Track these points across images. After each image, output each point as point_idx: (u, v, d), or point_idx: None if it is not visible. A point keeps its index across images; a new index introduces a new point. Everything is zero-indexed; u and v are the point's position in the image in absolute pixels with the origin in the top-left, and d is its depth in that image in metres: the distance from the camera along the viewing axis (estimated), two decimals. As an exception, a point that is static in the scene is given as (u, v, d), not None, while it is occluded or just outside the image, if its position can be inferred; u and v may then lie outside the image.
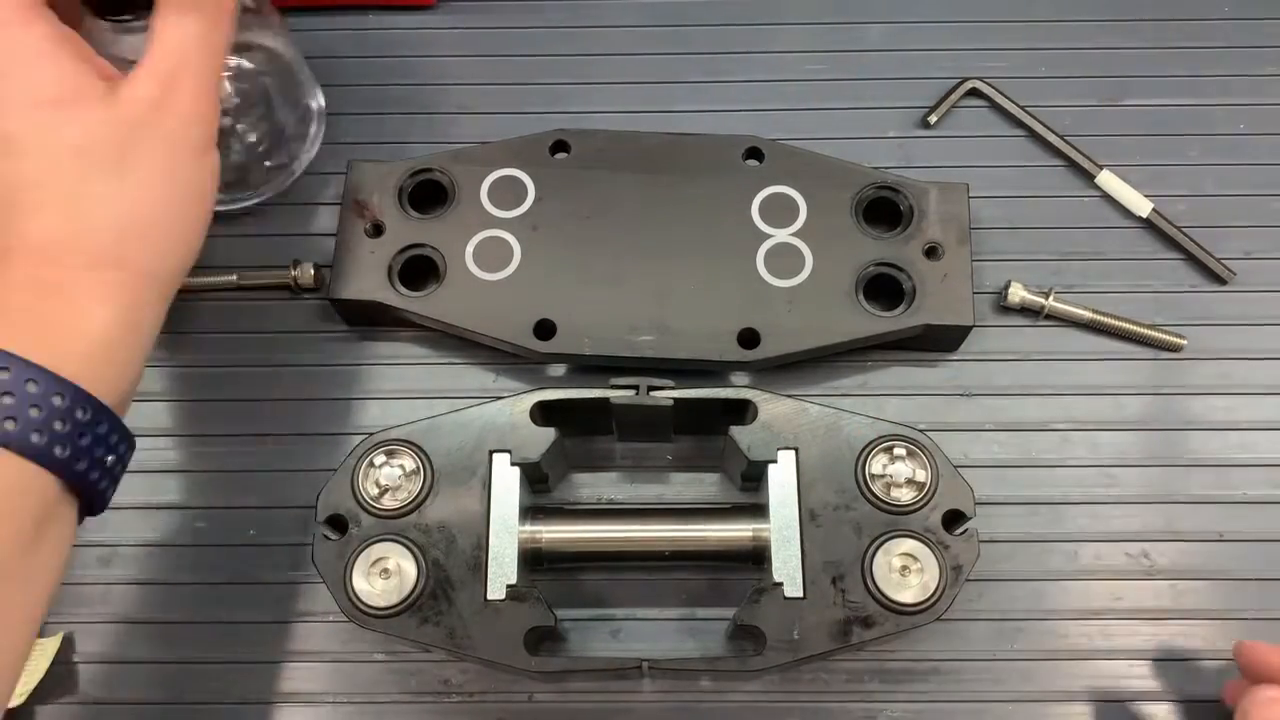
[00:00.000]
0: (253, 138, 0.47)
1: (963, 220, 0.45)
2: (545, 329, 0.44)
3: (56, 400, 0.31)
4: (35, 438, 0.30)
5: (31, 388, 0.30)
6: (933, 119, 0.50)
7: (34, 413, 0.30)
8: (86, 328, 0.33)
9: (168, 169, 0.35)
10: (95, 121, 0.34)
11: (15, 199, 0.33)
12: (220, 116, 0.37)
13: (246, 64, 0.46)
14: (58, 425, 0.31)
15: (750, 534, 0.40)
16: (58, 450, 0.31)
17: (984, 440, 0.45)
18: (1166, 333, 0.46)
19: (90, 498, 0.33)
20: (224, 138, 0.45)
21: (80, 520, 0.33)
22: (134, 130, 0.34)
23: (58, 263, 0.33)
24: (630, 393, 0.40)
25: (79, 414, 0.31)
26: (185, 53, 0.36)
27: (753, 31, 0.52)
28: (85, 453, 0.32)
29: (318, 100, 0.49)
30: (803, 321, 0.44)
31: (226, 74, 0.45)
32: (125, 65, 0.36)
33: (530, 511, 0.40)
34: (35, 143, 0.34)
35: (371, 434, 0.40)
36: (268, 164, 0.48)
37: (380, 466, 0.40)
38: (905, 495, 0.39)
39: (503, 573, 0.38)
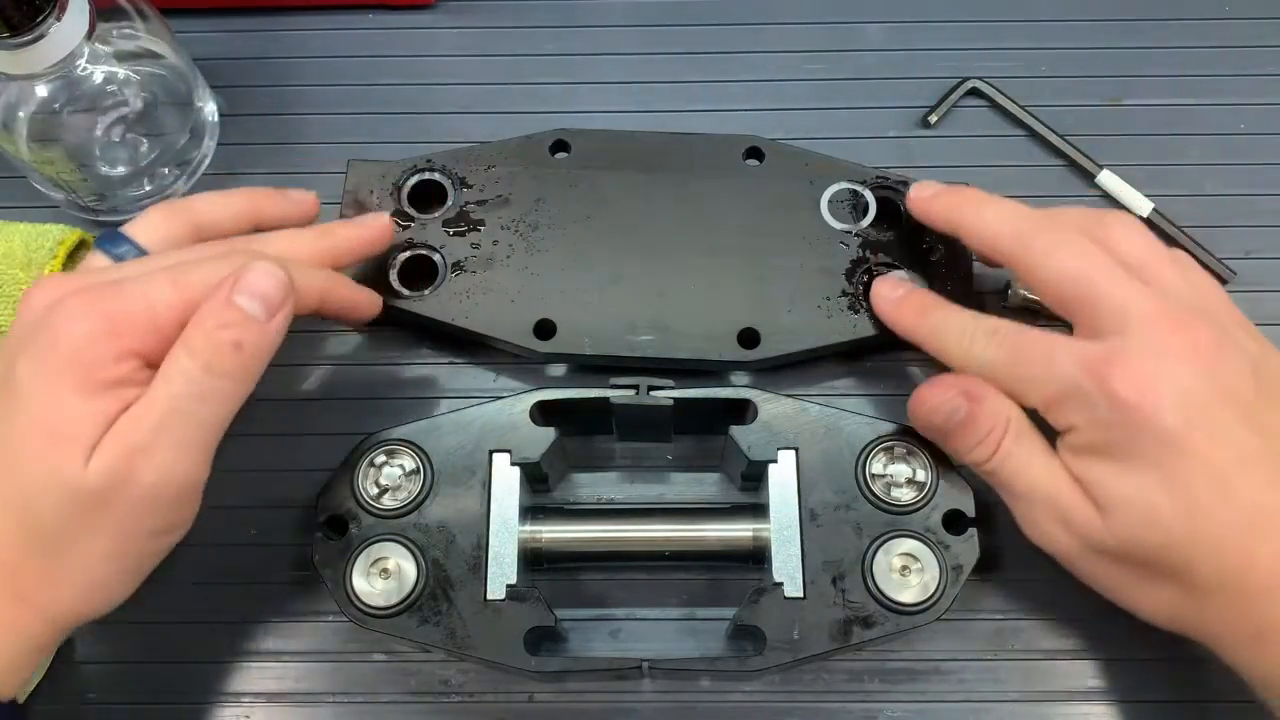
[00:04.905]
0: (143, 147, 0.47)
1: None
2: (545, 329, 0.44)
3: None
4: None
5: None
6: (933, 119, 0.50)
7: None
8: None
9: (113, 550, 0.34)
10: (59, 478, 0.32)
11: None
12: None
13: (134, 74, 0.46)
14: None
15: (750, 534, 0.40)
16: None
17: (984, 440, 0.45)
18: (1167, 333, 0.46)
19: None
20: (115, 148, 0.45)
21: None
22: (90, 505, 0.32)
23: None
24: (630, 393, 0.40)
25: None
26: (170, 408, 0.33)
27: (753, 31, 0.52)
28: None
29: (209, 104, 0.49)
30: (803, 321, 0.44)
31: (112, 87, 0.45)
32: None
33: (530, 511, 0.40)
34: (12, 462, 0.33)
35: (371, 434, 0.40)
36: (163, 170, 0.48)
37: (380, 466, 0.40)
38: (905, 495, 0.39)
39: (503, 573, 0.38)
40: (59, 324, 0.33)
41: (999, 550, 0.43)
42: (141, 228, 0.39)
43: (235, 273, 0.34)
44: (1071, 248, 0.37)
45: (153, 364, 0.33)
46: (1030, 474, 0.36)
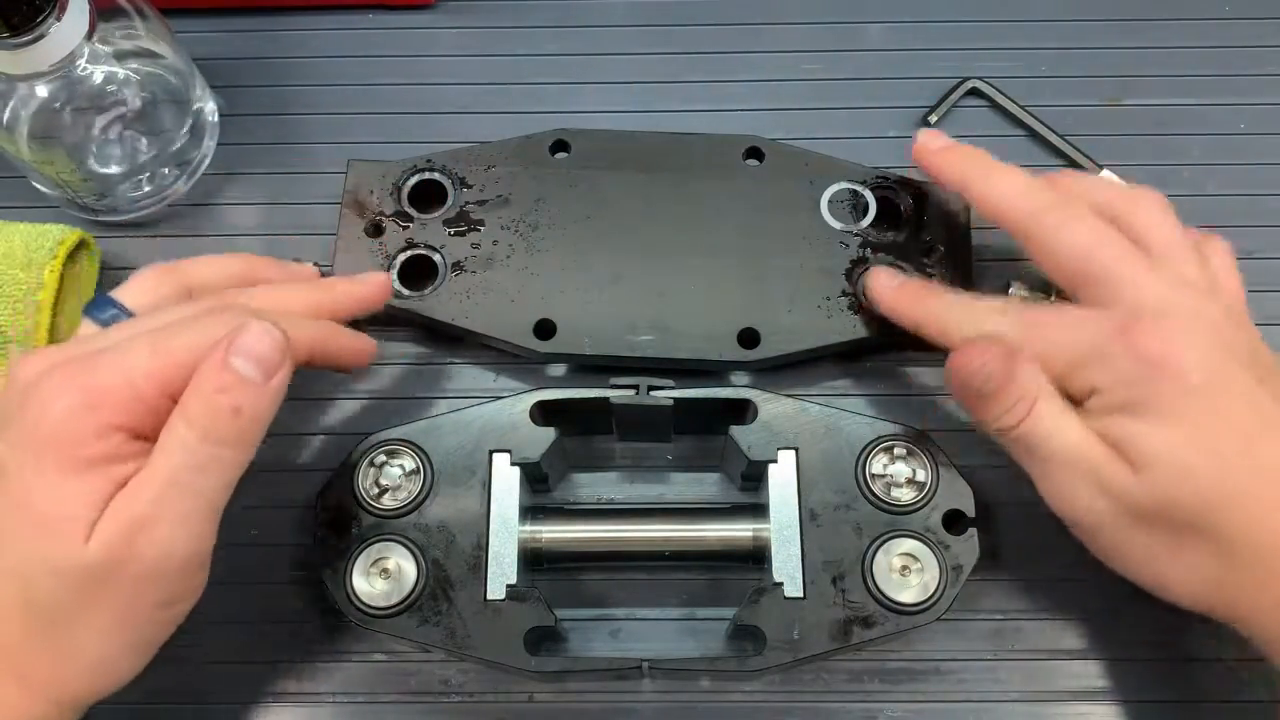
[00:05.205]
0: (143, 146, 0.47)
1: (963, 220, 0.46)
2: (545, 329, 0.44)
3: None
4: None
5: None
6: (933, 119, 0.50)
7: None
8: None
9: (119, 626, 0.33)
10: (57, 561, 0.31)
11: None
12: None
13: (134, 74, 0.46)
14: None
15: (750, 534, 0.40)
16: None
17: (984, 440, 0.45)
18: (1167, 332, 0.46)
19: None
20: (115, 148, 0.45)
21: None
22: (93, 583, 0.31)
23: None
24: (630, 393, 0.40)
25: None
26: (171, 479, 0.32)
27: (753, 31, 0.52)
28: None
29: (209, 104, 0.49)
30: (803, 321, 0.44)
31: (112, 86, 0.45)
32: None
33: (530, 511, 0.40)
34: (5, 544, 0.32)
35: (371, 434, 0.40)
36: (163, 169, 0.47)
37: (380, 466, 0.40)
38: (905, 495, 0.39)
39: (503, 573, 0.38)
40: (38, 401, 0.32)
41: (999, 550, 0.43)
42: (132, 291, 0.38)
43: (229, 334, 0.32)
44: (1084, 224, 0.38)
45: (141, 435, 0.32)
46: (1063, 436, 0.36)
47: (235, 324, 0.33)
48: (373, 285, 0.41)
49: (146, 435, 0.32)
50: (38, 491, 0.31)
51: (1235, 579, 0.34)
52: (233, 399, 0.32)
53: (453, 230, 0.45)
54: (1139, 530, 0.35)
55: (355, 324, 0.46)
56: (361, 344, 0.40)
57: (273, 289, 0.39)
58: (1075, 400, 0.37)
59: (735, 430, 0.40)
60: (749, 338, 0.44)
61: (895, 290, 0.42)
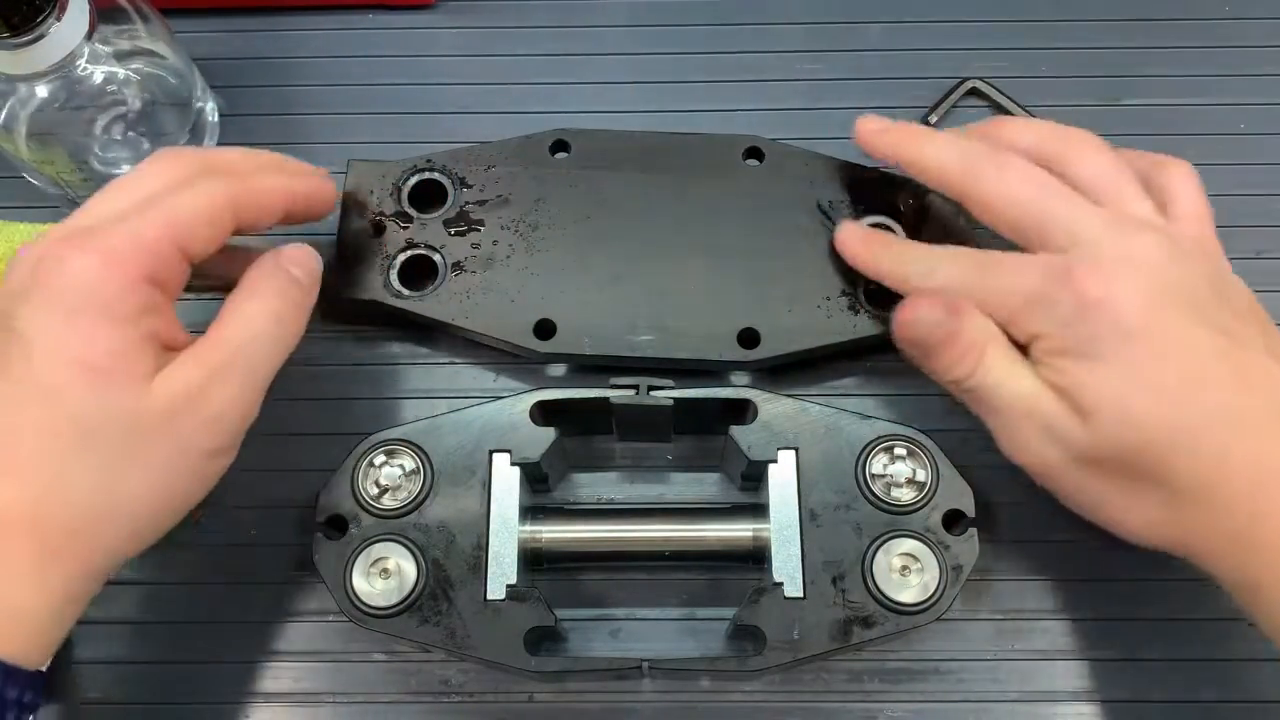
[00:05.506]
0: (144, 146, 0.46)
1: (963, 221, 0.45)
2: (545, 329, 0.44)
3: None
4: None
5: None
6: (933, 119, 0.50)
7: None
8: (17, 612, 0.32)
9: (169, 468, 0.34)
10: (117, 406, 0.33)
11: (3, 449, 0.32)
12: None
13: (134, 74, 0.46)
14: None
15: (750, 534, 0.40)
16: None
17: (984, 440, 0.45)
18: (1167, 332, 0.46)
19: None
20: (115, 148, 0.45)
21: None
22: (154, 424, 0.33)
23: (6, 543, 0.32)
24: (630, 393, 0.40)
25: None
26: (246, 344, 0.36)
27: (753, 31, 0.52)
28: None
29: (209, 104, 0.49)
30: (803, 321, 0.44)
31: (112, 87, 0.45)
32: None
33: (530, 511, 0.40)
34: (51, 403, 0.32)
35: (371, 434, 0.40)
36: None
37: (380, 466, 0.40)
38: (905, 495, 0.39)
39: (503, 573, 0.38)
40: (56, 269, 0.33)
41: (999, 550, 0.43)
42: (150, 168, 0.38)
43: (286, 248, 0.38)
44: (1015, 171, 0.38)
45: (161, 286, 0.34)
46: (1012, 385, 0.36)
47: (234, 186, 0.36)
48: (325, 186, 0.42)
49: (165, 287, 0.35)
50: (82, 347, 0.33)
51: (1188, 518, 0.35)
52: (296, 296, 0.38)
53: (453, 230, 0.45)
54: (1091, 476, 0.36)
55: (357, 324, 0.46)
56: (319, 183, 0.41)
57: (235, 151, 0.40)
58: (1023, 346, 0.37)
59: (735, 430, 0.40)
60: (749, 338, 0.44)
61: (860, 243, 0.43)
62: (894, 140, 0.42)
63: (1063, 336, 0.36)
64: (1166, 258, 0.36)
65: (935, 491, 0.39)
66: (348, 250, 0.45)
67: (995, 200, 0.38)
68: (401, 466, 0.40)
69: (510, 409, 0.40)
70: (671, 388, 0.40)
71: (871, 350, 0.45)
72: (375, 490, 0.39)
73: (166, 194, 0.35)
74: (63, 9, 0.39)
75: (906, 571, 0.38)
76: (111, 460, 0.33)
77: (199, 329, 0.36)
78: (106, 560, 0.34)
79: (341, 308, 0.45)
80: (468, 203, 0.46)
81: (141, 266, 0.34)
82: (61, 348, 0.33)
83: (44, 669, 0.34)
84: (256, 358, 0.36)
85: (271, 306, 0.37)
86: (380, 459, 0.40)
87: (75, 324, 0.33)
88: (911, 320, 0.38)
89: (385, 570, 0.38)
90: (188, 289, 0.37)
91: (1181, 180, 0.39)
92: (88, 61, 0.41)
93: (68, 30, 0.40)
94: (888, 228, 0.45)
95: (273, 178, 0.39)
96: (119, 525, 0.34)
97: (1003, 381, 0.37)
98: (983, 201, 0.39)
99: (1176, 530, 0.35)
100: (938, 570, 0.38)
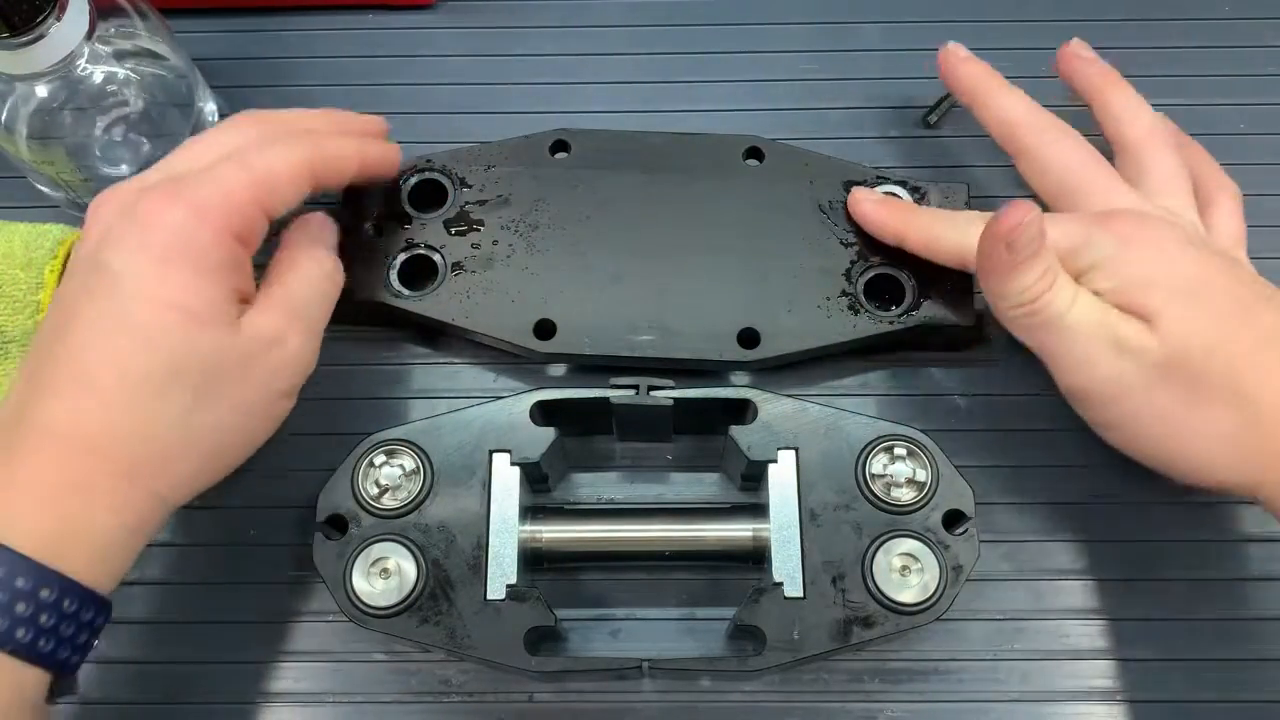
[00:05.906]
0: (144, 147, 0.47)
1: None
2: (545, 329, 0.44)
3: (44, 594, 0.31)
4: (20, 633, 0.31)
5: (20, 583, 0.31)
6: (933, 119, 0.50)
7: (20, 608, 0.31)
8: (92, 532, 0.33)
9: (246, 406, 0.37)
10: (206, 346, 0.35)
11: (91, 377, 0.34)
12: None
13: (134, 74, 0.46)
14: (44, 619, 0.31)
15: (750, 534, 0.40)
16: (42, 643, 0.31)
17: (984, 440, 0.45)
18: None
19: (64, 678, 0.33)
20: (116, 148, 0.46)
21: (50, 699, 0.33)
22: (237, 364, 0.36)
23: (87, 463, 0.33)
24: (630, 392, 0.40)
25: (66, 604, 0.32)
26: (309, 297, 0.39)
27: (753, 31, 0.52)
28: (67, 642, 0.32)
29: (209, 104, 0.49)
30: (803, 321, 0.44)
31: (112, 87, 0.45)
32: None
33: (530, 511, 0.40)
34: (142, 339, 0.34)
35: (371, 434, 0.40)
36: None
37: (380, 466, 0.40)
38: (905, 495, 0.39)
39: (503, 573, 0.38)
40: (148, 218, 0.35)
41: (999, 550, 0.43)
42: (225, 127, 0.40)
43: (308, 215, 0.41)
44: (1077, 143, 0.42)
45: (244, 242, 0.36)
46: (1081, 304, 0.38)
47: (314, 148, 0.38)
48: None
49: (248, 243, 0.37)
50: (174, 292, 0.34)
51: (1254, 437, 0.35)
52: (333, 257, 0.41)
53: (453, 230, 0.45)
54: (1159, 389, 0.37)
55: (357, 325, 0.46)
56: (388, 149, 0.44)
57: (316, 116, 0.42)
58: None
59: (735, 430, 0.40)
60: (749, 338, 0.44)
61: (877, 204, 0.44)
62: (973, 73, 0.45)
63: (1114, 262, 0.38)
64: (1190, 238, 0.39)
65: (935, 491, 0.39)
66: (348, 250, 0.45)
67: (1050, 162, 0.42)
68: (401, 466, 0.40)
69: (510, 409, 0.40)
70: (671, 388, 0.40)
71: (871, 350, 0.45)
72: (375, 490, 0.39)
73: (252, 152, 0.37)
74: (63, 9, 0.39)
75: (906, 571, 0.38)
76: (194, 397, 0.35)
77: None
78: (178, 493, 0.36)
79: (341, 308, 0.45)
80: (468, 203, 0.46)
81: (229, 222, 0.35)
82: (154, 290, 0.34)
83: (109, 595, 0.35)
84: (319, 311, 0.39)
85: (325, 267, 0.40)
86: (380, 459, 0.40)
87: (166, 270, 0.34)
88: (1009, 224, 0.36)
89: (385, 570, 0.38)
90: None
91: (1227, 198, 0.42)
92: (88, 61, 0.41)
93: (68, 30, 0.40)
94: (896, 196, 0.45)
95: (348, 141, 0.41)
96: (194, 459, 0.36)
97: (1072, 302, 0.37)
98: (1038, 159, 0.42)
99: (1240, 451, 0.36)
100: (937, 570, 0.38)
